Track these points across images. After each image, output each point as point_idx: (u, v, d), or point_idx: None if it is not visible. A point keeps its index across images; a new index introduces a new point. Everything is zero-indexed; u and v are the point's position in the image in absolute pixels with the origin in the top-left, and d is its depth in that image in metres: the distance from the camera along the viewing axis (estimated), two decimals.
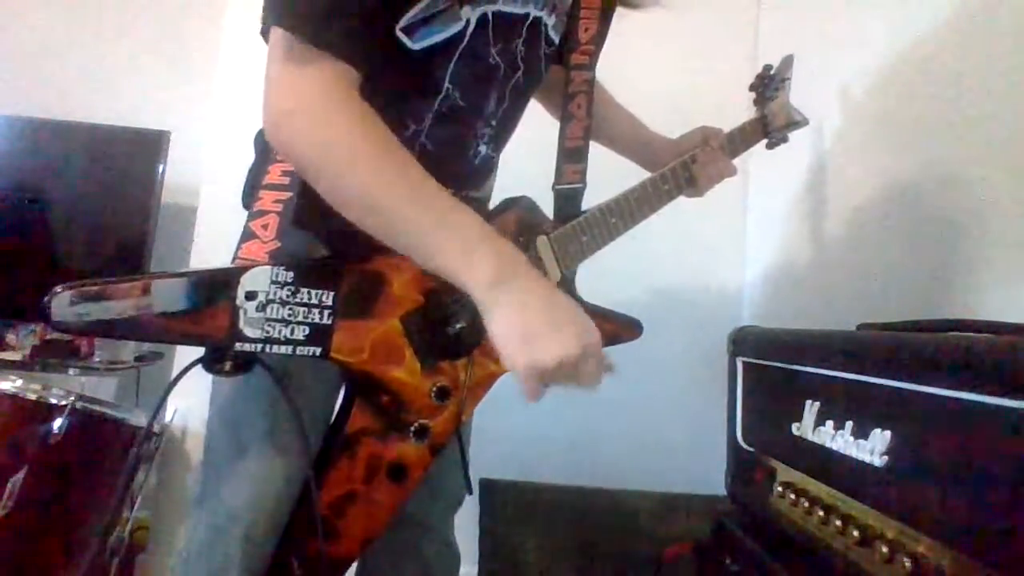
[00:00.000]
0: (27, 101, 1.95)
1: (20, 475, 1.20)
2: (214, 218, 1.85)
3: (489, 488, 1.48)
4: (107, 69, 2.07)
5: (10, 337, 1.72)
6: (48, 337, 1.70)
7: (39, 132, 1.87)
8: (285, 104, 0.68)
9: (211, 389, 0.87)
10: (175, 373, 0.73)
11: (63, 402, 1.26)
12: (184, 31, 2.09)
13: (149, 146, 1.86)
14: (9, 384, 1.25)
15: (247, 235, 0.76)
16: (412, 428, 0.83)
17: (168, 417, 1.72)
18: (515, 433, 1.74)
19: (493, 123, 0.89)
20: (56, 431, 1.24)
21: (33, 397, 1.25)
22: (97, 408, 1.32)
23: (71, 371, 1.66)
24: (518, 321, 0.66)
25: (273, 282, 0.73)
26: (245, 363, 0.74)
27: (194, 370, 0.73)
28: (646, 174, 1.03)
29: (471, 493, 0.97)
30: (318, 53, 0.66)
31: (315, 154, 0.68)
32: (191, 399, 1.67)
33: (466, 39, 0.78)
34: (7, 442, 1.22)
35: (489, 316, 0.67)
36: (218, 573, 0.80)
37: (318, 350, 0.75)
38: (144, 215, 1.84)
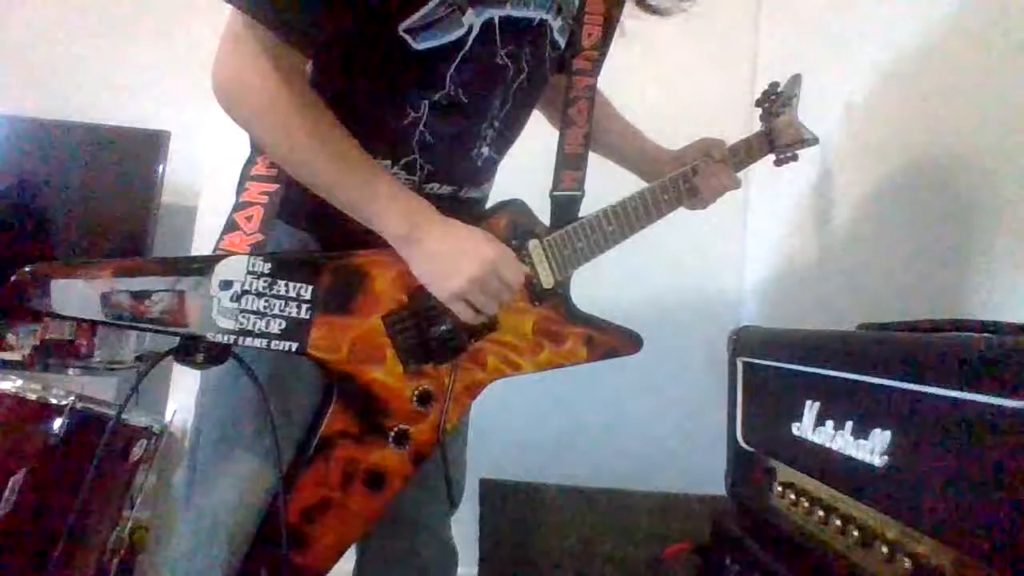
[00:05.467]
0: (27, 101, 1.95)
1: (20, 475, 1.20)
2: (214, 218, 1.84)
3: (489, 488, 1.48)
4: (107, 69, 2.07)
5: (10, 337, 1.71)
6: (48, 337, 1.70)
7: (39, 132, 1.87)
8: (222, 73, 0.72)
9: (198, 389, 0.86)
10: (174, 373, 0.72)
11: (63, 402, 1.26)
12: (184, 31, 2.08)
13: (149, 146, 1.86)
14: (9, 384, 1.25)
15: (230, 226, 0.76)
16: (391, 433, 0.80)
17: (168, 417, 1.72)
18: (515, 433, 1.74)
19: (496, 124, 0.89)
20: (56, 431, 1.24)
21: (33, 397, 1.25)
22: (97, 408, 1.31)
23: (71, 371, 1.66)
24: (430, 265, 0.78)
25: (249, 272, 0.71)
26: (218, 356, 0.71)
27: (195, 370, 0.72)
28: (645, 185, 1.00)
29: (455, 506, 0.95)
30: (252, 22, 0.69)
31: (256, 130, 0.77)
32: (191, 399, 1.66)
33: (469, 43, 0.78)
34: (7, 442, 1.22)
35: (408, 261, 0.79)
36: (204, 573, 0.80)
37: (295, 345, 0.72)
38: (144, 215, 1.84)
